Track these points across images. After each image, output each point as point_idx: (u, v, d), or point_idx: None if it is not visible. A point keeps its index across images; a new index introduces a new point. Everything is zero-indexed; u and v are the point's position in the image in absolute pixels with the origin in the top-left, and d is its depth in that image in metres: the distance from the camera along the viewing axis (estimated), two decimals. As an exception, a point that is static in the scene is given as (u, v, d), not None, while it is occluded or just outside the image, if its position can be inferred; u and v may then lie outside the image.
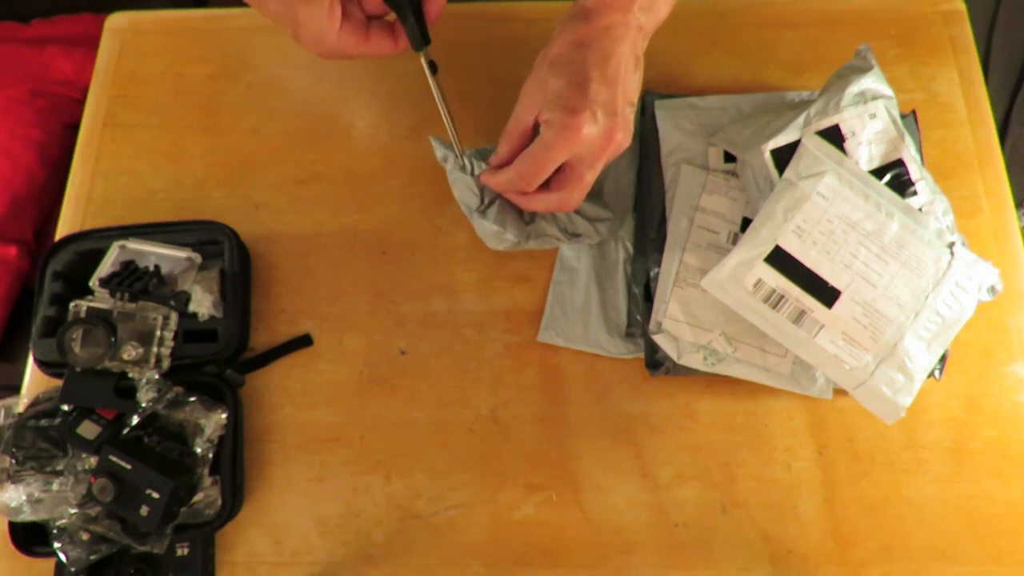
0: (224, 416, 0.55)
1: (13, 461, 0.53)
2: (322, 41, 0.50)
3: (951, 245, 0.52)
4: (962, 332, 0.53)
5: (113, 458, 0.51)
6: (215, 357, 0.58)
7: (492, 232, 0.55)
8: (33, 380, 0.61)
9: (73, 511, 0.52)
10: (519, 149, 0.51)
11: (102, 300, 0.56)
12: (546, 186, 0.52)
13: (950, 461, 0.56)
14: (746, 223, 0.57)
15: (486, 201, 0.55)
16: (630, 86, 0.49)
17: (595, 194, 0.60)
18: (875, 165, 0.54)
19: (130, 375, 0.55)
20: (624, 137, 0.49)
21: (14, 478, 0.53)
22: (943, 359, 0.56)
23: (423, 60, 0.51)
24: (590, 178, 0.50)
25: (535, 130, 0.50)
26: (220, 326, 0.58)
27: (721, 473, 0.57)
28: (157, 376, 0.55)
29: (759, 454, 0.57)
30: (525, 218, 0.58)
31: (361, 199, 0.65)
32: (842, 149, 0.54)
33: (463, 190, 0.55)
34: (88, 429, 0.53)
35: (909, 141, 0.55)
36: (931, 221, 0.53)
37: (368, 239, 0.63)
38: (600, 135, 0.47)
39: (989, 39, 1.05)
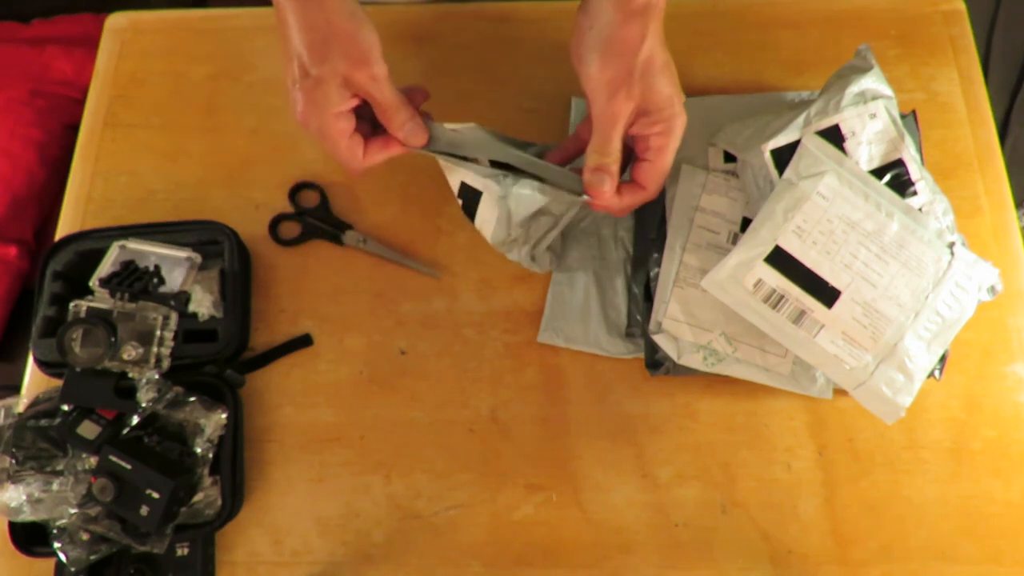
0: (224, 416, 0.55)
1: (13, 461, 0.53)
2: (351, 167, 0.51)
3: (951, 245, 0.52)
4: (962, 332, 0.53)
5: (113, 458, 0.51)
6: (215, 357, 0.58)
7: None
8: (33, 380, 0.61)
9: (73, 511, 0.52)
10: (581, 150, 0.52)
11: (102, 300, 0.56)
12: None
13: (950, 461, 0.56)
14: (746, 223, 0.57)
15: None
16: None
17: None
18: (875, 165, 0.54)
19: (130, 375, 0.55)
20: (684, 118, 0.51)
21: (14, 478, 0.53)
22: (943, 359, 0.56)
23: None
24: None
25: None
26: (220, 326, 0.58)
27: (721, 473, 0.57)
28: (157, 376, 0.55)
29: (759, 454, 0.57)
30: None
31: (361, 199, 0.65)
32: (842, 149, 0.54)
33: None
34: (88, 429, 0.53)
35: (909, 141, 0.55)
36: (931, 221, 0.53)
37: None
38: (685, 125, 0.50)
39: (989, 39, 1.05)
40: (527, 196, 0.50)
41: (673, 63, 0.48)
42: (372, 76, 0.47)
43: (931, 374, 0.55)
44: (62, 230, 0.65)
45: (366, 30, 0.47)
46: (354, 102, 0.48)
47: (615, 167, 0.50)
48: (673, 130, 0.49)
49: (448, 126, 0.52)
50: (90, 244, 0.60)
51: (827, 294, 0.51)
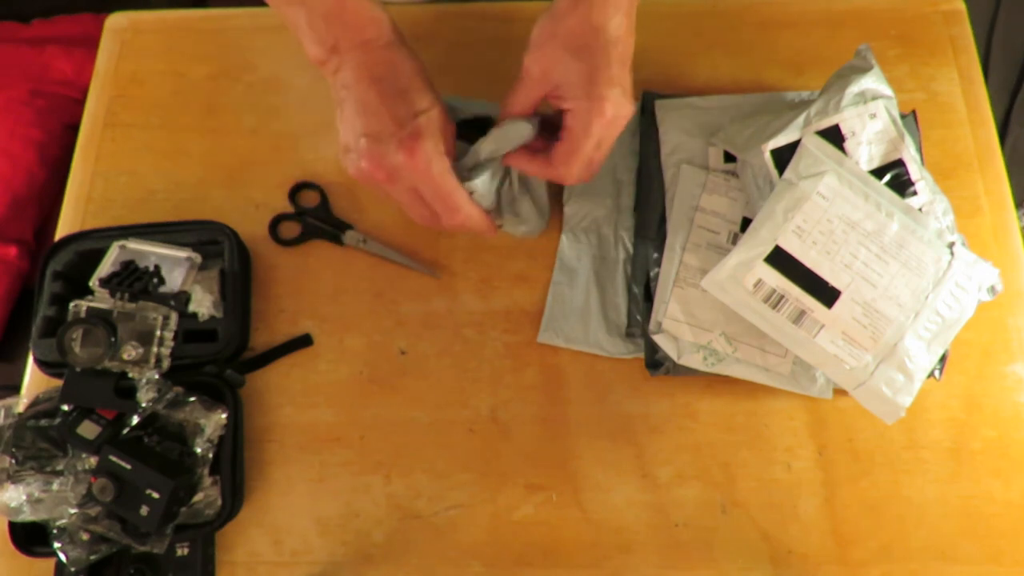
0: (224, 416, 0.55)
1: (13, 461, 0.53)
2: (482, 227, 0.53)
3: (951, 245, 0.52)
4: (962, 332, 0.53)
5: (113, 458, 0.51)
6: (215, 357, 0.58)
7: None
8: (33, 380, 0.61)
9: (73, 511, 0.52)
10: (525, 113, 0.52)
11: (102, 300, 0.56)
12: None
13: (950, 461, 0.56)
14: (746, 223, 0.57)
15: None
16: (631, 58, 0.50)
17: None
18: (875, 165, 0.54)
19: (130, 375, 0.55)
20: (631, 112, 0.50)
21: (14, 478, 0.53)
22: (943, 359, 0.56)
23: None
24: (601, 157, 0.52)
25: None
26: (220, 326, 0.58)
27: (721, 473, 0.57)
28: (157, 376, 0.55)
29: (759, 454, 0.57)
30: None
31: (361, 199, 0.65)
32: (842, 149, 0.54)
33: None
34: (88, 429, 0.53)
35: (909, 141, 0.55)
36: (931, 221, 0.53)
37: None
38: (619, 116, 0.49)
39: (989, 39, 1.05)
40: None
41: (620, 50, 0.48)
42: (444, 174, 0.48)
43: (931, 374, 0.55)
44: (62, 230, 0.65)
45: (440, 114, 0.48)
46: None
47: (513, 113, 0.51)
48: (587, 113, 0.48)
49: None
50: (90, 244, 0.60)
51: (827, 294, 0.51)
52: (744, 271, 0.52)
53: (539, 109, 0.52)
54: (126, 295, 0.56)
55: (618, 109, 0.48)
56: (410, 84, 0.48)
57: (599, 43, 0.48)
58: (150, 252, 0.59)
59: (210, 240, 0.61)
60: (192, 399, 0.55)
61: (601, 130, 0.49)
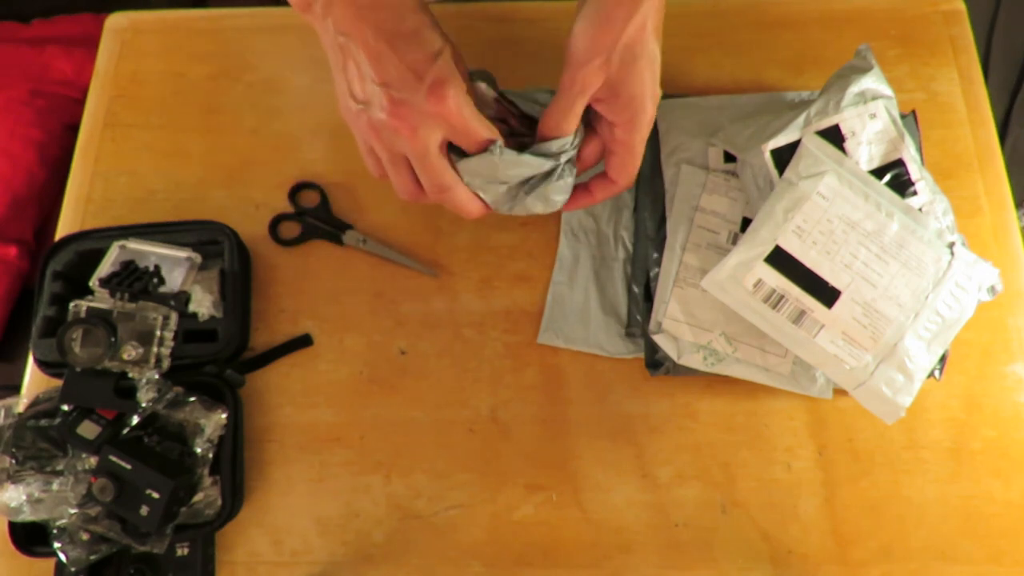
0: (224, 416, 0.55)
1: (13, 461, 0.53)
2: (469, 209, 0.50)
3: (951, 245, 0.52)
4: (962, 332, 0.53)
5: (113, 458, 0.51)
6: (215, 357, 0.58)
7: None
8: (33, 380, 0.61)
9: (73, 511, 0.52)
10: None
11: (102, 300, 0.56)
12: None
13: (950, 461, 0.56)
14: (746, 223, 0.57)
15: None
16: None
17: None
18: (875, 165, 0.54)
19: (130, 375, 0.55)
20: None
21: (14, 478, 0.53)
22: (943, 359, 0.56)
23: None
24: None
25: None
26: (220, 326, 0.58)
27: (721, 473, 0.57)
28: (157, 376, 0.55)
29: (759, 454, 0.57)
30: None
31: (361, 199, 0.65)
32: (842, 149, 0.54)
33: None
34: (88, 429, 0.53)
35: (909, 141, 0.55)
36: (931, 221, 0.53)
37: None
38: (653, 119, 0.49)
39: (989, 39, 1.05)
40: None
41: (659, 61, 0.47)
42: (469, 107, 0.44)
43: (931, 374, 0.55)
44: (62, 230, 0.65)
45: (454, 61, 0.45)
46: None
47: (569, 132, 0.48)
48: (639, 126, 0.48)
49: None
50: (90, 244, 0.60)
51: (827, 294, 0.51)
52: (744, 271, 0.52)
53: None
54: (126, 295, 0.56)
55: (656, 109, 0.48)
56: (416, 22, 0.44)
57: (646, 56, 0.46)
58: (150, 252, 0.59)
59: (210, 240, 0.61)
60: (192, 399, 0.55)
61: (645, 138, 0.49)
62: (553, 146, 0.48)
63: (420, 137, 0.45)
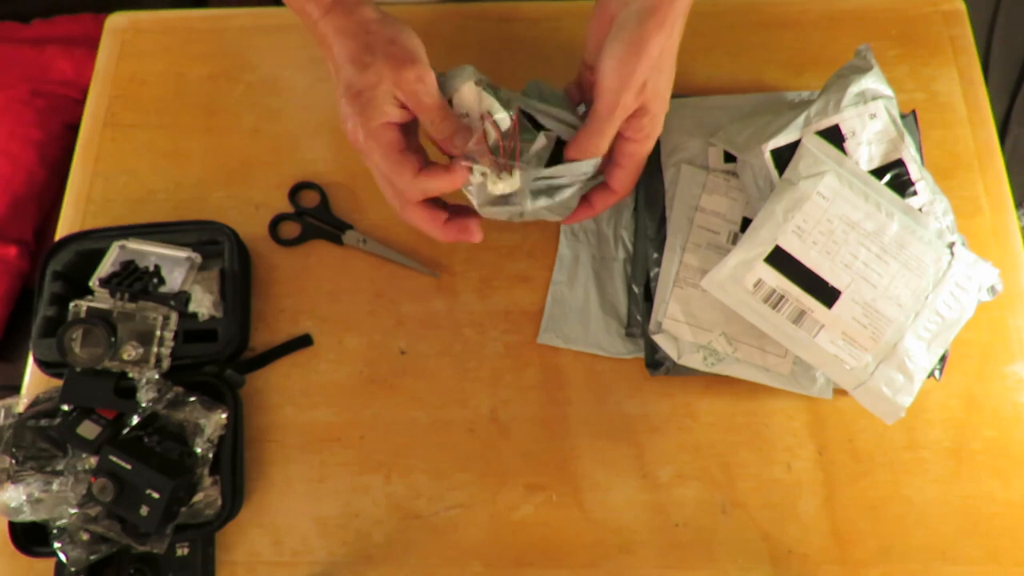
0: (224, 416, 0.55)
1: (13, 461, 0.53)
2: (403, 194, 0.48)
3: (951, 245, 0.52)
4: (962, 332, 0.53)
5: (113, 458, 0.51)
6: (215, 357, 0.58)
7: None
8: (33, 380, 0.61)
9: (73, 511, 0.52)
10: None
11: (102, 300, 0.56)
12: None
13: (950, 461, 0.56)
14: (746, 223, 0.57)
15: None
16: None
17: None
18: (875, 165, 0.54)
19: (130, 375, 0.55)
20: None
21: (14, 478, 0.53)
22: (943, 359, 0.56)
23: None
24: None
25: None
26: (220, 326, 0.58)
27: (721, 473, 0.57)
28: (157, 376, 0.55)
29: (759, 454, 0.57)
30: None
31: (361, 199, 0.65)
32: (842, 149, 0.54)
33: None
34: (88, 429, 0.53)
35: (909, 141, 0.55)
36: (931, 221, 0.53)
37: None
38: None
39: (989, 39, 1.05)
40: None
41: (672, 58, 0.48)
42: (419, 76, 0.44)
43: (931, 374, 0.55)
44: (62, 230, 0.65)
45: (406, 33, 0.45)
46: (404, 114, 0.45)
47: (601, 152, 0.49)
48: (653, 136, 0.49)
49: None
50: (90, 244, 0.60)
51: (827, 294, 0.51)
52: (744, 271, 0.52)
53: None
54: (126, 295, 0.56)
55: (662, 122, 0.49)
56: (377, 43, 0.45)
57: (670, 59, 0.47)
58: (150, 252, 0.59)
59: (210, 240, 0.61)
60: (192, 399, 0.55)
61: (652, 148, 0.50)
62: (585, 167, 0.48)
63: (373, 123, 0.45)
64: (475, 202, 0.48)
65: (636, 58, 0.45)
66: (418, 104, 0.45)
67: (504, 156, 0.47)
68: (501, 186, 0.47)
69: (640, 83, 0.45)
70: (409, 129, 0.47)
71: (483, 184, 0.47)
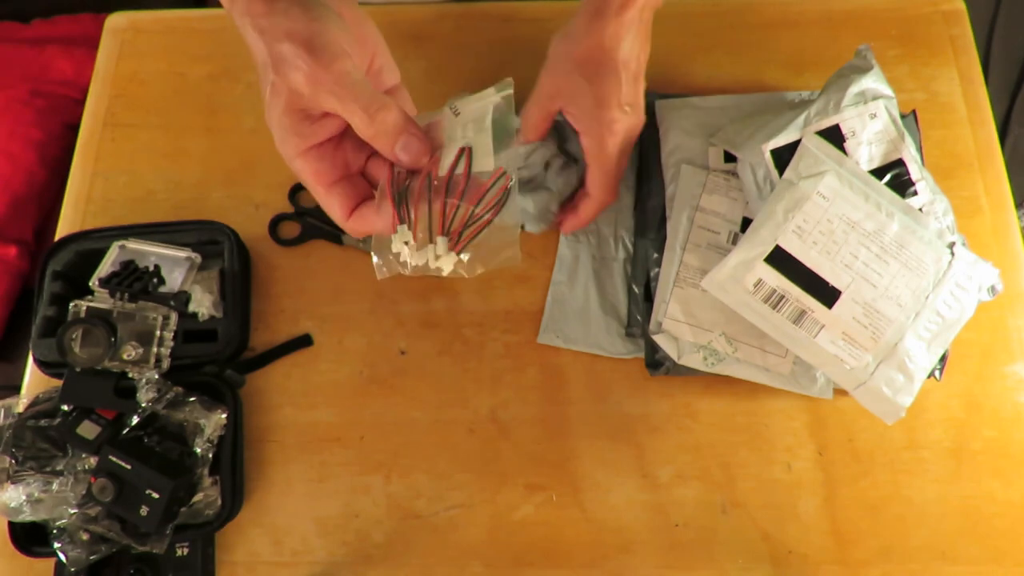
0: (224, 416, 0.55)
1: (13, 461, 0.53)
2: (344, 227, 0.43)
3: (951, 245, 0.52)
4: (962, 332, 0.53)
5: (113, 458, 0.51)
6: (215, 357, 0.58)
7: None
8: (33, 380, 0.61)
9: (73, 511, 0.52)
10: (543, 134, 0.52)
11: (102, 300, 0.56)
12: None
13: (950, 461, 0.56)
14: (746, 223, 0.57)
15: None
16: (644, 70, 0.51)
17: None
18: (875, 165, 0.54)
19: (130, 375, 0.55)
20: (642, 121, 0.52)
21: (14, 478, 0.53)
22: (943, 359, 0.56)
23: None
24: (623, 167, 0.53)
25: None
26: (220, 326, 0.58)
27: (721, 473, 0.57)
28: (157, 376, 0.55)
29: (759, 454, 0.57)
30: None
31: (361, 199, 0.65)
32: (842, 149, 0.54)
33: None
34: (88, 429, 0.53)
35: (909, 141, 0.55)
36: (931, 221, 0.53)
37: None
38: (631, 131, 0.51)
39: (989, 39, 1.05)
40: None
41: (639, 69, 0.49)
42: (337, 75, 0.36)
43: (931, 374, 0.55)
44: (62, 230, 0.65)
45: (332, 27, 0.37)
46: (323, 131, 0.39)
47: (537, 138, 0.53)
48: (604, 136, 0.49)
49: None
50: (90, 244, 0.60)
51: (827, 294, 0.51)
52: (744, 271, 0.52)
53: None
54: (126, 295, 0.56)
55: (629, 126, 0.50)
56: (291, 45, 0.38)
57: (611, 66, 0.48)
58: (150, 252, 0.59)
59: (210, 240, 0.61)
60: (192, 399, 0.55)
61: (615, 148, 0.50)
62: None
63: (290, 151, 0.39)
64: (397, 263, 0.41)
65: (566, 42, 0.49)
66: (345, 109, 0.37)
67: (446, 221, 0.38)
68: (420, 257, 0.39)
69: (567, 65, 0.48)
70: (346, 139, 0.41)
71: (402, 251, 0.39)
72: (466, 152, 0.39)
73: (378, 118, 0.37)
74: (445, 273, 0.40)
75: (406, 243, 0.39)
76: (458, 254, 0.39)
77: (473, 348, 0.60)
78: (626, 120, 0.49)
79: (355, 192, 0.41)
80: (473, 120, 0.41)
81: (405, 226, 0.39)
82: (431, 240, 0.39)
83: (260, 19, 0.38)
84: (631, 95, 0.49)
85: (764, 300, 0.52)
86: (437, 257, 0.39)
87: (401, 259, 0.40)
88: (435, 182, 0.39)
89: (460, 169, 0.39)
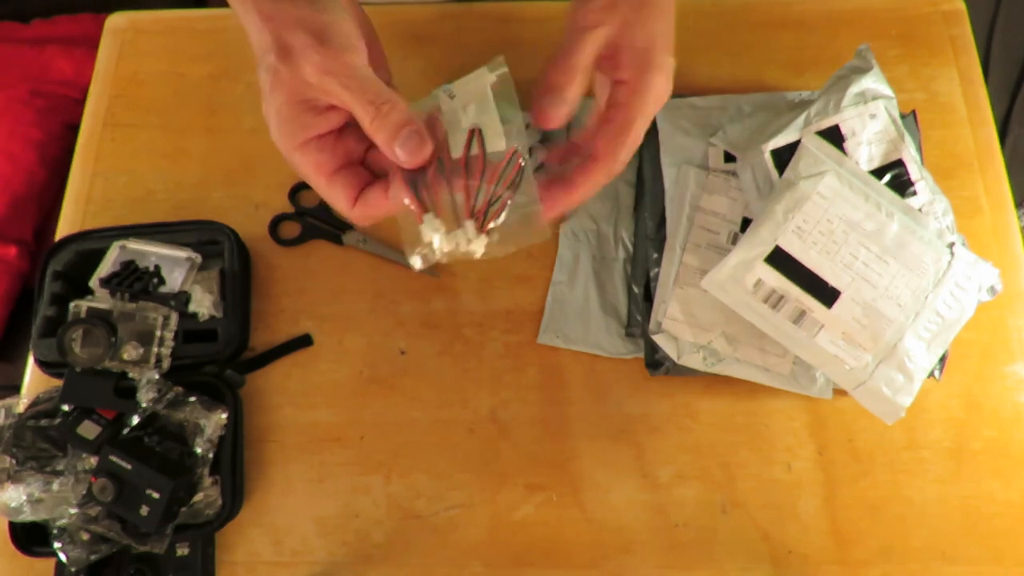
0: (224, 416, 0.55)
1: (13, 461, 0.53)
2: (348, 217, 0.41)
3: (951, 245, 0.52)
4: (962, 332, 0.53)
5: (113, 458, 0.51)
6: (215, 357, 0.58)
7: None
8: (33, 380, 0.61)
9: (73, 511, 0.52)
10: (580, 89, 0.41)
11: (102, 300, 0.56)
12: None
13: (950, 461, 0.56)
14: (746, 223, 0.57)
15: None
16: None
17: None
18: (875, 165, 0.54)
19: (130, 375, 0.55)
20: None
21: (14, 478, 0.53)
22: (943, 359, 0.56)
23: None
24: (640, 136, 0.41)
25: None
26: (220, 326, 0.58)
27: (721, 473, 0.57)
28: (157, 376, 0.55)
29: (759, 454, 0.57)
30: None
31: (361, 199, 0.65)
32: (842, 149, 0.54)
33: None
34: (88, 429, 0.53)
35: (909, 141, 0.55)
36: (931, 221, 0.53)
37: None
38: (668, 93, 0.41)
39: (989, 39, 1.05)
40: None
41: (672, 25, 0.40)
42: (348, 68, 0.36)
43: (931, 374, 0.55)
44: (62, 230, 0.65)
45: (340, 18, 0.37)
46: (325, 123, 0.38)
47: (573, 91, 0.39)
48: (645, 88, 0.39)
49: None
50: (90, 244, 0.60)
51: (827, 294, 0.51)
52: (744, 271, 0.52)
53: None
54: (126, 295, 0.56)
55: (670, 84, 0.40)
56: (302, 31, 0.37)
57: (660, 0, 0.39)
58: (150, 252, 0.59)
59: (210, 240, 0.61)
60: (192, 399, 0.55)
61: (661, 97, 0.40)
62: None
63: (290, 143, 0.38)
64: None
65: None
66: (351, 101, 0.37)
67: (471, 203, 0.37)
68: (451, 244, 0.38)
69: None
70: (347, 131, 0.40)
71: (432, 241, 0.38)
72: (476, 133, 0.39)
73: (383, 111, 0.37)
74: (478, 256, 0.39)
75: (436, 232, 0.38)
76: (487, 235, 0.38)
77: (473, 348, 0.60)
78: (670, 75, 0.39)
79: (357, 180, 0.40)
80: (474, 101, 0.40)
81: (431, 214, 0.38)
82: (458, 224, 0.38)
83: (265, 4, 0.37)
84: (669, 52, 0.40)
85: (764, 300, 0.52)
86: (469, 241, 0.38)
87: (434, 246, 0.39)
88: (448, 166, 0.38)
89: (474, 151, 0.39)
